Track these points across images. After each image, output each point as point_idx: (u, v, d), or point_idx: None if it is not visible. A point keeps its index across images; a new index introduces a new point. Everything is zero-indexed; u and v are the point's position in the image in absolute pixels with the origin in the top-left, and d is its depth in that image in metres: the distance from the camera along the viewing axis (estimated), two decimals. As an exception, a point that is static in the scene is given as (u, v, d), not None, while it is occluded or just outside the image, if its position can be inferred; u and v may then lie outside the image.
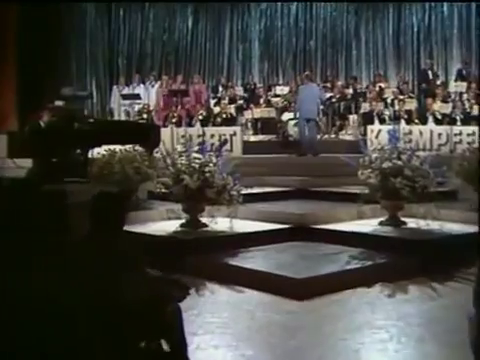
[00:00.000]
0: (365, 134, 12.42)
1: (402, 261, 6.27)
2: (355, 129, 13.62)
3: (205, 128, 12.88)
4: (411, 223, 7.27)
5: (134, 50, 17.37)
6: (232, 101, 14.87)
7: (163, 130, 11.25)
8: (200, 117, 13.66)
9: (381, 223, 7.25)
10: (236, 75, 17.75)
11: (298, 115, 12.22)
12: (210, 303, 5.30)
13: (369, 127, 12.51)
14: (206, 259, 6.33)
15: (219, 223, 7.07)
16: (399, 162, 7.01)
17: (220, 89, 15.63)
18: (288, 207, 8.11)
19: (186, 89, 14.85)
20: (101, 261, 2.98)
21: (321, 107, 13.16)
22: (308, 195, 9.00)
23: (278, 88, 15.84)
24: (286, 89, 15.38)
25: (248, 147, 12.38)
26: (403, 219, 7.30)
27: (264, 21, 17.86)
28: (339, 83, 15.39)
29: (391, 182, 6.88)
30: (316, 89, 12.41)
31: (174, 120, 13.70)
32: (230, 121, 13.83)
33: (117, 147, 8.89)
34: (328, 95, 14.32)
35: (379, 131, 11.97)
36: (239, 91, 15.73)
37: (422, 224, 7.01)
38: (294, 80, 15.96)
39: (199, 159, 7.01)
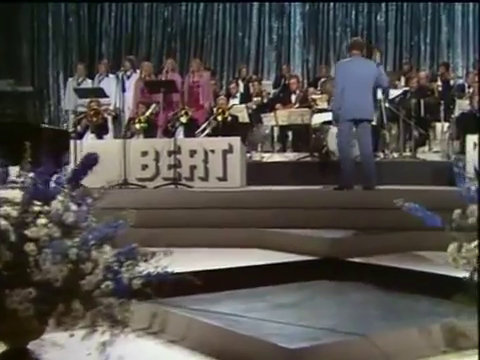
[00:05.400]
0: (463, 151, 8.53)
1: None
2: (446, 143, 9.77)
3: (189, 139, 8.82)
4: None
5: (123, 31, 14.58)
6: (246, 99, 10.80)
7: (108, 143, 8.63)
8: (183, 120, 8.93)
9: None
10: (268, 65, 14.77)
11: (338, 114, 7.76)
12: None
13: (470, 138, 8.51)
14: None
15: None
16: None
17: (240, 82, 12.01)
18: (295, 314, 4.15)
19: (173, 80, 9.97)
20: None
21: (386, 105, 9.01)
22: (347, 275, 5.32)
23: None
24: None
25: (258, 172, 8.57)
26: None
27: (310, -11, 15.12)
28: (421, 73, 11.74)
29: None
30: (372, 66, 7.79)
31: (138, 127, 8.94)
32: (233, 129, 9.30)
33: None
34: (401, 90, 10.62)
35: (489, 145, 8.56)
36: (267, 86, 12.46)
37: None
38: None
39: (16, 205, 3.20)
